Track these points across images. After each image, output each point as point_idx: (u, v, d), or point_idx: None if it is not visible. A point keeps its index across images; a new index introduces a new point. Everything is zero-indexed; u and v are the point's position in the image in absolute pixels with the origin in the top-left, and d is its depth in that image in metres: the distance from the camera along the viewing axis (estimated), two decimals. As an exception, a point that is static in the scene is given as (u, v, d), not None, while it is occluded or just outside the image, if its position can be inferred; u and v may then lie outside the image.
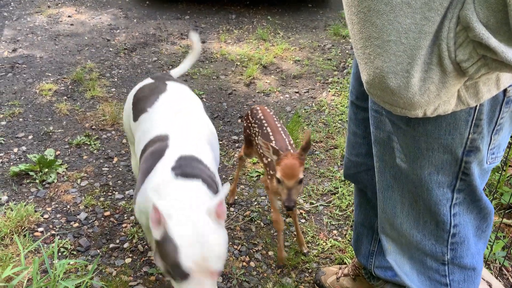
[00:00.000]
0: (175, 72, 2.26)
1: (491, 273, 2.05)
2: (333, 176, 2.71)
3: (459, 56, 0.86)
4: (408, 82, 0.90)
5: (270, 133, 2.02)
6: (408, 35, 0.86)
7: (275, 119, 2.11)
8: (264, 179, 2.07)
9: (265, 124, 2.07)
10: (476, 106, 1.01)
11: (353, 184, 2.60)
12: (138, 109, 1.84)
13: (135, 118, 1.85)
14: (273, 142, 1.97)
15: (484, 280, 1.96)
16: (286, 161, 1.73)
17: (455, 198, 1.14)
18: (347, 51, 4.32)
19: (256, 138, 2.09)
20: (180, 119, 1.70)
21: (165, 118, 1.70)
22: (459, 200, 1.15)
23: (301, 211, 2.45)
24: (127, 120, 2.00)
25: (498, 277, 2.07)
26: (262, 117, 2.11)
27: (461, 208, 1.16)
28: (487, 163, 1.11)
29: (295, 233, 2.21)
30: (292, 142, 2.08)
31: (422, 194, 1.16)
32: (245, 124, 2.24)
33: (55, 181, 2.55)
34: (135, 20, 4.82)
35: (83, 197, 2.45)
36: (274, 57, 4.12)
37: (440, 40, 0.86)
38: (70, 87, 3.49)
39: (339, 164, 2.81)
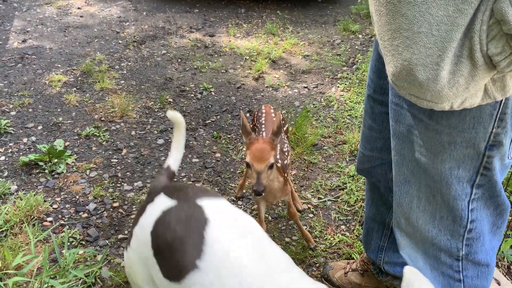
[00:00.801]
0: (173, 163, 1.62)
1: (500, 271, 2.04)
2: (341, 171, 2.71)
3: (491, 50, 0.85)
4: (437, 75, 0.89)
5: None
6: (439, 27, 0.85)
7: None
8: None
9: (263, 129, 2.04)
10: (502, 100, 1.00)
11: (361, 180, 2.60)
12: (173, 263, 1.17)
13: (172, 277, 1.18)
14: None
15: (493, 277, 1.95)
16: (256, 145, 1.67)
17: (474, 193, 1.14)
18: (356, 47, 4.30)
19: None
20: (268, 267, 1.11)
21: (245, 273, 1.08)
22: (478, 195, 1.14)
23: (309, 205, 2.45)
24: (141, 264, 1.29)
25: (507, 275, 2.07)
26: (263, 122, 2.07)
27: (479, 204, 1.16)
28: (508, 158, 1.10)
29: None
30: (286, 148, 2.03)
31: (441, 189, 1.15)
32: (251, 124, 2.20)
33: (64, 171, 2.56)
34: (144, 13, 4.82)
35: (92, 188, 2.46)
36: (283, 52, 4.11)
37: (472, 32, 0.85)
38: (79, 78, 3.49)
39: (347, 159, 2.81)
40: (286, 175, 1.93)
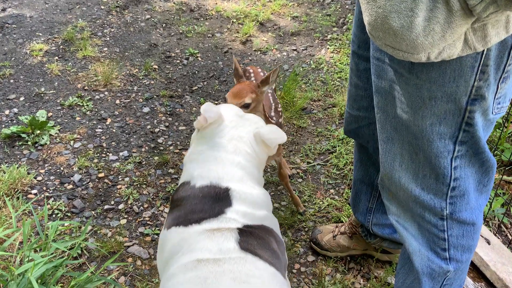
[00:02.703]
0: None
1: (490, 230, 2.03)
2: (331, 135, 2.66)
3: None
4: (412, 22, 0.84)
5: None
6: None
7: None
8: None
9: None
10: (483, 51, 0.94)
11: (351, 143, 2.56)
12: None
13: None
14: None
15: (482, 237, 1.94)
16: (238, 85, 1.71)
17: (457, 150, 1.10)
18: (347, 6, 4.17)
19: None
20: None
21: None
22: (461, 152, 1.10)
23: (298, 170, 2.42)
24: None
25: (497, 234, 2.06)
26: (252, 80, 2.04)
27: (462, 161, 1.12)
28: (492, 113, 1.06)
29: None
30: (280, 108, 2.02)
31: (423, 146, 1.11)
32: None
33: (48, 143, 2.50)
34: (127, -23, 4.64)
35: (76, 159, 2.41)
36: (271, 14, 3.99)
37: None
38: (61, 47, 3.39)
39: (337, 122, 2.76)
40: None
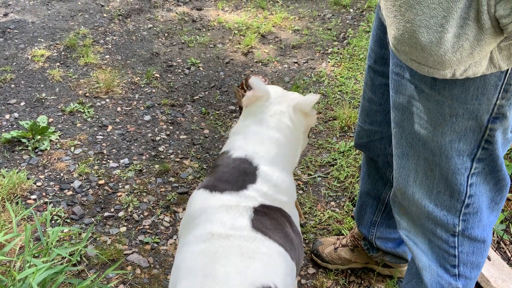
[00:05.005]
0: None
1: (490, 246, 2.04)
2: (331, 147, 2.67)
3: (499, 11, 0.80)
4: (441, 38, 0.84)
5: None
6: None
7: None
8: None
9: None
10: (507, 70, 0.95)
11: (352, 156, 2.57)
12: None
13: None
14: None
15: (483, 252, 1.94)
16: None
17: (474, 167, 1.10)
18: (347, 21, 4.22)
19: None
20: None
21: None
22: (478, 169, 1.11)
23: (299, 182, 2.42)
24: None
25: (496, 251, 2.06)
26: None
27: (478, 178, 1.12)
28: (511, 132, 1.06)
29: None
30: None
31: (440, 163, 1.11)
32: (240, 94, 2.17)
33: (48, 148, 2.49)
34: (130, -14, 4.67)
35: (76, 165, 2.40)
36: (273, 26, 4.02)
37: None
38: (63, 53, 3.39)
39: (338, 135, 2.77)
40: None
